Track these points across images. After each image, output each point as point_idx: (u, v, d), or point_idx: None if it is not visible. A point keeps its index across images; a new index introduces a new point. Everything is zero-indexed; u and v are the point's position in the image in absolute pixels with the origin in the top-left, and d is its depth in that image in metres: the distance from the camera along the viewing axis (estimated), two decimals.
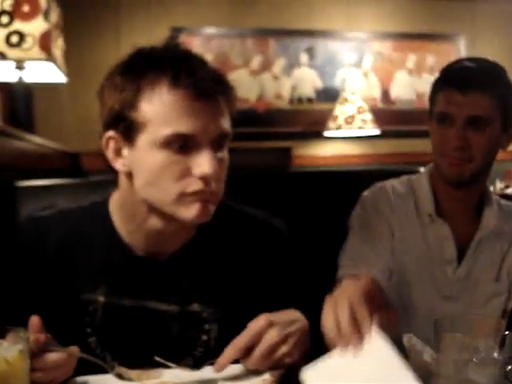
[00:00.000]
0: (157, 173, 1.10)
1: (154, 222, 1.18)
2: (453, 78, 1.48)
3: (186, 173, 1.09)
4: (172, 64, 1.09)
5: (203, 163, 1.08)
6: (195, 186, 1.10)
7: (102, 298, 1.20)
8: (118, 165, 1.15)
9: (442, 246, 1.52)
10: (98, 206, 1.26)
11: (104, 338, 1.21)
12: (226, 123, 1.13)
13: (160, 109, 1.08)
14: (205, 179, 1.09)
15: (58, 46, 2.79)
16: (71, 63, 3.11)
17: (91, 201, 1.28)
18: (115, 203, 1.24)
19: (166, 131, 1.07)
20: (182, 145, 1.08)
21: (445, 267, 1.52)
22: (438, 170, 1.52)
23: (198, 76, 1.08)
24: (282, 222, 1.32)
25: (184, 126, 1.07)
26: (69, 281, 1.21)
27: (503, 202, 1.60)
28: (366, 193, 1.59)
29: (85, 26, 4.37)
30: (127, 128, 1.11)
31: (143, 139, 1.10)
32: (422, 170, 1.66)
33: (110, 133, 1.13)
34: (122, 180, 1.19)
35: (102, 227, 1.23)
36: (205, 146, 1.09)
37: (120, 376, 1.02)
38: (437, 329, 0.85)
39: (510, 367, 0.77)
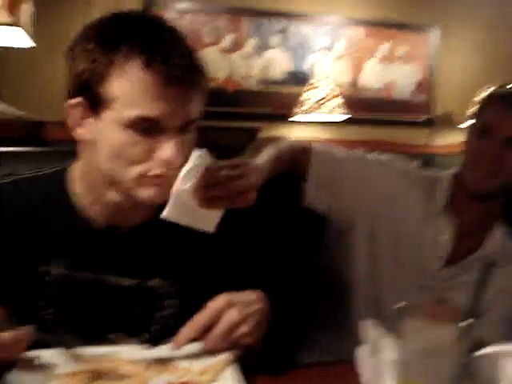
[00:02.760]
0: (118, 151, 1.07)
1: (113, 196, 1.15)
2: (506, 97, 1.54)
3: (148, 155, 1.07)
4: (147, 43, 1.05)
5: (167, 148, 1.06)
6: (157, 169, 1.08)
7: (59, 270, 1.18)
8: (81, 133, 1.12)
9: (439, 241, 1.57)
10: (57, 176, 1.23)
11: (61, 311, 1.18)
12: (195, 108, 1.11)
13: (129, 88, 1.04)
14: (168, 164, 1.07)
15: (26, 9, 2.72)
16: (39, 28, 3.03)
17: (51, 170, 1.25)
18: (76, 173, 1.21)
19: (132, 113, 1.04)
20: (147, 127, 1.06)
21: (432, 262, 1.56)
22: (462, 181, 1.55)
23: (173, 62, 1.04)
24: None
25: (152, 110, 1.04)
26: (26, 251, 1.18)
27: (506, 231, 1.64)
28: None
29: None
30: (93, 100, 1.07)
31: (108, 115, 1.07)
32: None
33: (76, 100, 1.10)
34: (84, 149, 1.16)
35: (62, 197, 1.20)
36: (171, 131, 1.07)
37: (74, 358, 1.00)
38: (398, 315, 0.85)
39: (468, 356, 0.77)
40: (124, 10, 1.13)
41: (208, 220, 1.11)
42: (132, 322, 1.19)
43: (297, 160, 1.54)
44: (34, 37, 2.91)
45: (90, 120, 1.10)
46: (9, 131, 2.70)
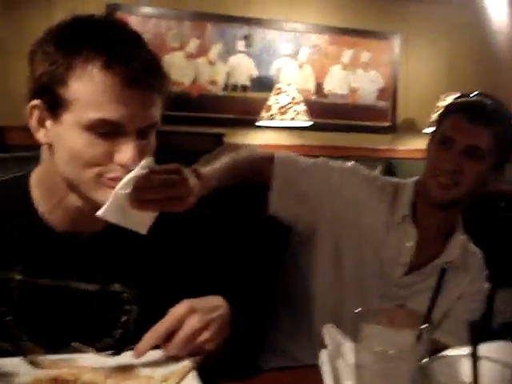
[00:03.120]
0: (77, 153, 1.07)
1: (74, 200, 1.15)
2: (465, 108, 1.55)
3: (107, 158, 1.07)
4: (107, 46, 1.05)
5: (126, 152, 1.06)
6: (115, 172, 1.07)
7: (19, 276, 1.16)
8: (40, 136, 1.12)
9: (403, 248, 1.58)
10: (17, 181, 1.22)
11: (21, 318, 1.17)
12: (155, 112, 1.11)
13: (89, 90, 1.04)
14: (126, 167, 1.07)
15: None
16: None
17: (11, 175, 1.23)
18: (36, 178, 1.20)
19: (92, 115, 1.04)
20: (106, 130, 1.05)
21: (394, 269, 1.57)
22: (424, 189, 1.57)
23: (133, 65, 1.04)
24: (207, 208, 1.31)
25: (112, 112, 1.04)
26: None
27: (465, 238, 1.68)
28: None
29: None
30: (53, 102, 1.07)
31: (68, 117, 1.06)
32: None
33: (35, 102, 1.09)
34: (44, 152, 1.16)
35: (21, 203, 1.19)
36: (130, 135, 1.07)
37: (34, 364, 0.99)
38: (359, 320, 0.86)
39: (425, 360, 0.78)
40: (85, 14, 1.12)
41: (141, 222, 1.11)
42: (94, 328, 1.18)
43: (258, 168, 1.54)
44: None
45: (50, 122, 1.09)
46: None
